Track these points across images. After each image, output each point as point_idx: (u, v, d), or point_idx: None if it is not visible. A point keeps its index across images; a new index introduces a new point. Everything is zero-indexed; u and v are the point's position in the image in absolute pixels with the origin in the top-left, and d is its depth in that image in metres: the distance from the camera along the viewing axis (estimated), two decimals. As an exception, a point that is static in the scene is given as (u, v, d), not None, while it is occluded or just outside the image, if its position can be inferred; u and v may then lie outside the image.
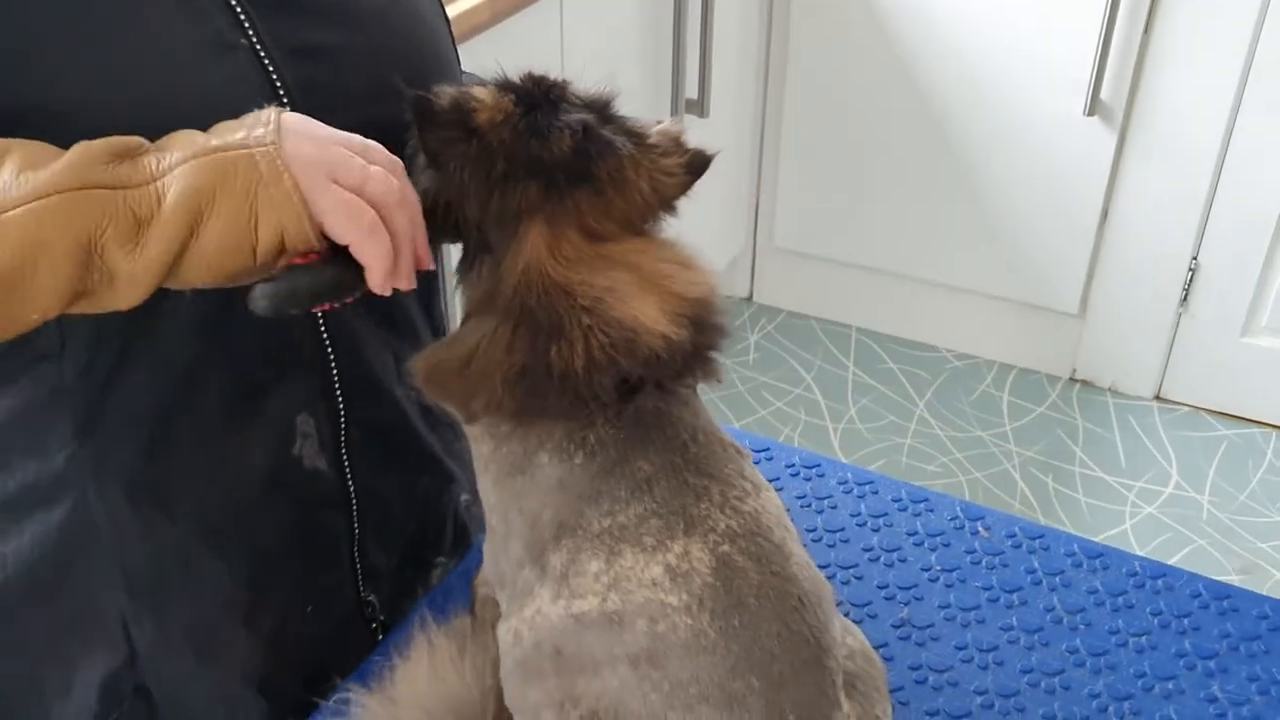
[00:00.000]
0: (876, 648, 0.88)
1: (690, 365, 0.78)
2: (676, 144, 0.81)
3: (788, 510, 0.83)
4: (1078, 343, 2.81)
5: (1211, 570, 2.30)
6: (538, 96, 0.78)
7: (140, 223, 0.70)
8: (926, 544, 1.08)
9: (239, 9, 0.82)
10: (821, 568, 0.86)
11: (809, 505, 1.12)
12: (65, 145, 0.72)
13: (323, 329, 0.90)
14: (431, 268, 0.80)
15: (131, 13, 0.78)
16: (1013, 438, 2.69)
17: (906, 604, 1.02)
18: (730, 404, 2.75)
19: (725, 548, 0.75)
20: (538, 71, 0.80)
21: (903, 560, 1.07)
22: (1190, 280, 2.63)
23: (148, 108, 0.77)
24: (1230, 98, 2.42)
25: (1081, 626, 1.00)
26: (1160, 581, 1.04)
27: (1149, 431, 2.70)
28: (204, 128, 0.74)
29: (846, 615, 0.93)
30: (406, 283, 0.77)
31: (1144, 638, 0.99)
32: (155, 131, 0.74)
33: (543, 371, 0.74)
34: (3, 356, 0.84)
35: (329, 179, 0.73)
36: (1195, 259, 2.60)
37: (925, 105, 2.66)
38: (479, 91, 0.78)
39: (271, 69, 0.82)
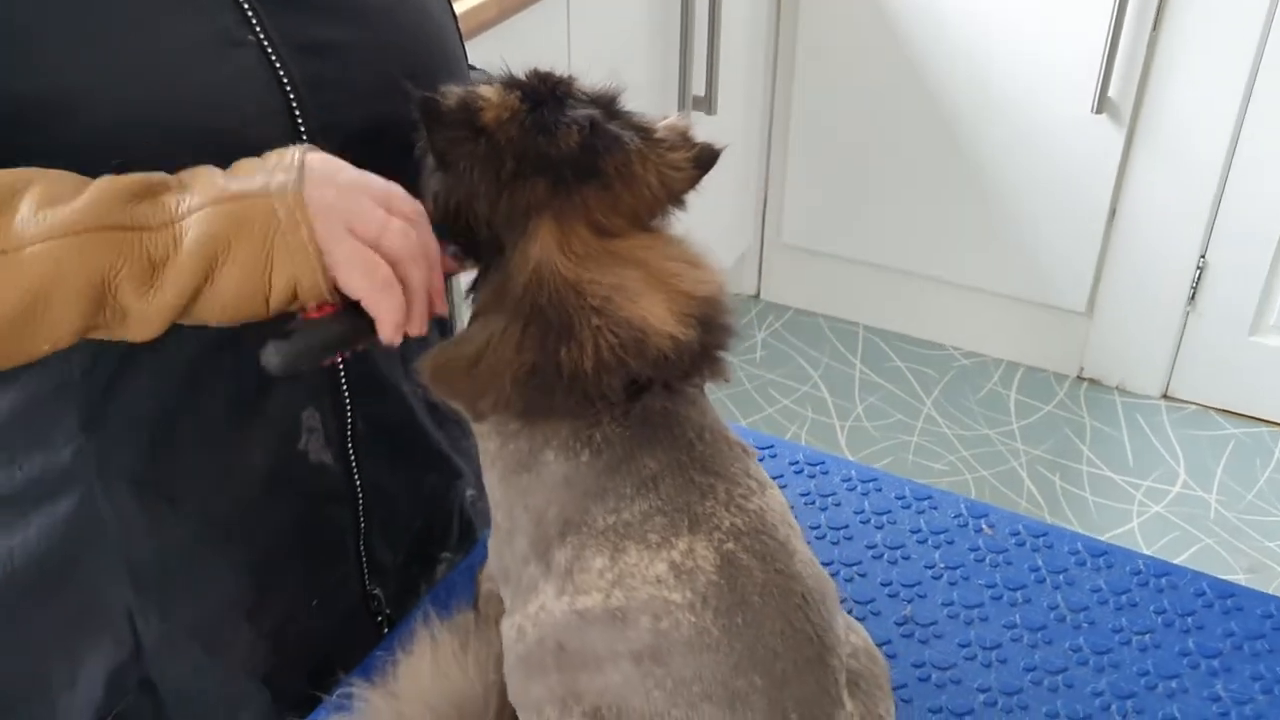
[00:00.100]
0: (880, 645, 0.88)
1: (698, 365, 0.78)
2: (684, 138, 0.80)
3: (792, 507, 0.82)
4: (1085, 341, 2.81)
5: (1219, 569, 2.29)
6: (544, 93, 0.78)
7: (155, 266, 0.70)
8: (930, 541, 1.08)
9: (246, 5, 0.82)
10: (825, 565, 0.86)
11: (813, 502, 1.12)
12: (70, 139, 0.72)
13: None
14: (444, 312, 0.80)
15: (138, 7, 0.78)
16: (1020, 436, 2.68)
17: (910, 601, 1.02)
18: (737, 401, 2.75)
19: (730, 545, 0.75)
20: (544, 68, 0.80)
21: (906, 558, 1.06)
22: (1198, 279, 2.62)
23: (154, 103, 0.77)
24: (1239, 96, 2.41)
25: (1085, 625, 1.00)
26: (1164, 580, 1.04)
27: (1156, 430, 2.70)
28: (211, 124, 0.74)
29: (850, 613, 0.93)
30: (418, 332, 0.77)
31: (1147, 636, 0.99)
32: (161, 126, 0.74)
33: (552, 371, 0.74)
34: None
35: (346, 228, 0.73)
36: (1203, 257, 2.60)
37: (933, 102, 2.66)
38: (485, 90, 0.78)
39: (279, 65, 0.82)
